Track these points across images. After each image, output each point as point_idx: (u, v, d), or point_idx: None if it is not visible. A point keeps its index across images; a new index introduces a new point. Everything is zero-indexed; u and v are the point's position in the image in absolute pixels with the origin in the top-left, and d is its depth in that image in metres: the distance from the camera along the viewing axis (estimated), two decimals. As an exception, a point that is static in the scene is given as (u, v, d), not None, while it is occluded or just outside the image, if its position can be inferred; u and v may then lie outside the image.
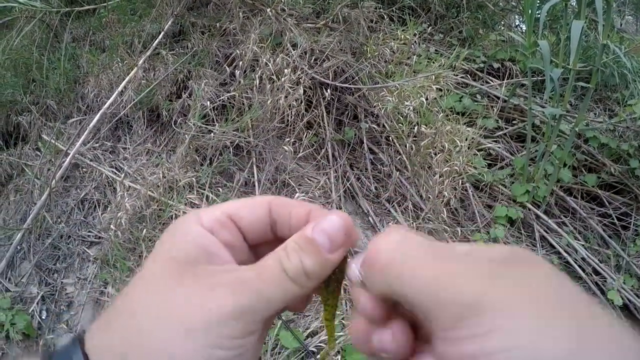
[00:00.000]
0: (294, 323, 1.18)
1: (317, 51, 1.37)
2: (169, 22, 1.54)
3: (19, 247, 1.50)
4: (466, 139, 1.43)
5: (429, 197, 1.35)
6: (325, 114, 1.39)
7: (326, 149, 1.39)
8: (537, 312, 0.16)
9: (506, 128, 1.74)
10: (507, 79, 1.78)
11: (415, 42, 1.54)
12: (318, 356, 1.01)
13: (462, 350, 0.16)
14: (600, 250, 1.61)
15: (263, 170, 1.35)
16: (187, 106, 1.46)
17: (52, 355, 0.20)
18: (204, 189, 1.34)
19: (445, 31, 1.84)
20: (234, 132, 1.33)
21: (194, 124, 1.35)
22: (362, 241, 1.37)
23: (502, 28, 2.03)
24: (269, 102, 1.29)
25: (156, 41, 1.52)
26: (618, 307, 1.42)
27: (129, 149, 1.57)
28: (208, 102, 1.36)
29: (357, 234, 0.23)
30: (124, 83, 1.46)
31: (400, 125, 1.38)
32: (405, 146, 1.37)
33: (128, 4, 1.60)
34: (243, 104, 1.36)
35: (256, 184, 1.33)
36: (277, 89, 1.30)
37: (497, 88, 1.76)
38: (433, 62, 1.51)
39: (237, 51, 1.39)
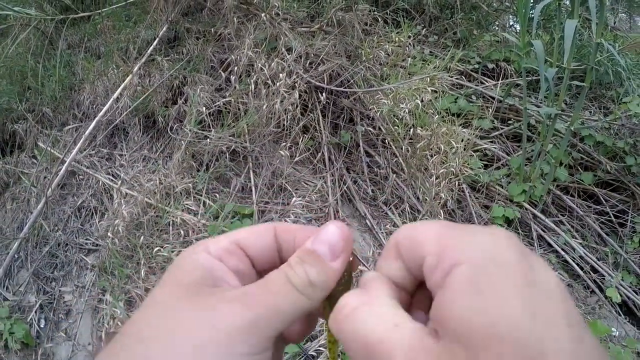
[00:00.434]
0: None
1: (312, 55, 1.38)
2: (164, 28, 1.55)
3: (16, 256, 1.49)
4: (462, 140, 1.43)
5: (426, 199, 1.36)
6: (321, 118, 1.39)
7: (322, 153, 1.39)
8: None
9: (502, 128, 1.75)
10: (502, 80, 1.79)
11: (409, 44, 1.55)
12: None
13: None
14: (598, 248, 1.62)
15: (260, 175, 1.35)
16: (183, 112, 1.46)
17: None
18: (201, 195, 1.34)
19: (440, 33, 1.84)
20: (230, 138, 1.33)
21: (190, 130, 1.35)
22: (360, 244, 1.37)
23: (496, 29, 2.04)
24: (264, 106, 1.30)
25: (151, 47, 1.52)
26: (617, 304, 1.42)
27: (125, 155, 1.56)
28: (204, 108, 1.37)
29: (352, 240, 0.23)
30: (119, 90, 1.46)
31: (396, 127, 1.38)
32: (402, 148, 1.38)
33: (123, 10, 1.60)
34: (239, 109, 1.36)
35: (253, 189, 1.33)
36: (273, 94, 1.30)
37: (492, 89, 1.77)
38: (428, 64, 1.52)
39: (232, 56, 1.39)
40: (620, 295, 1.44)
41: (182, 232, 1.27)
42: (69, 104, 1.73)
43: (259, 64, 1.33)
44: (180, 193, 1.32)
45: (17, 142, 1.79)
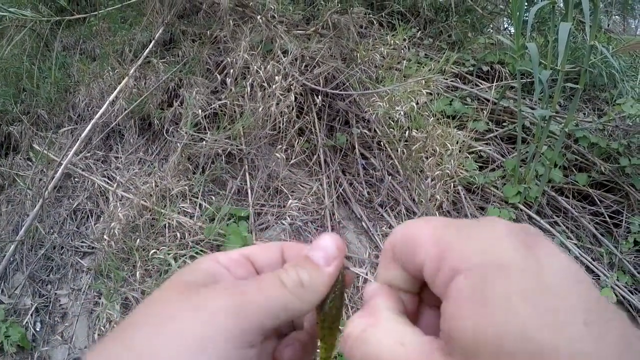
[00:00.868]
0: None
1: (308, 58, 1.38)
2: (160, 31, 1.55)
3: (11, 259, 1.48)
4: (457, 142, 1.44)
5: (422, 201, 1.36)
6: (316, 120, 1.40)
7: (318, 155, 1.39)
8: None
9: (497, 130, 1.76)
10: (497, 82, 1.80)
11: (405, 46, 1.55)
12: None
13: None
14: (593, 249, 1.63)
15: (256, 178, 1.35)
16: (179, 114, 1.46)
17: None
18: (197, 198, 1.34)
19: (435, 35, 1.85)
20: (226, 140, 1.33)
21: (185, 132, 1.35)
22: (356, 246, 1.37)
23: (491, 31, 2.05)
24: (260, 109, 1.30)
25: (147, 50, 1.52)
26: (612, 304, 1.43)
27: (121, 158, 1.56)
28: (199, 110, 1.37)
29: (345, 249, 0.24)
30: (115, 92, 1.46)
31: (391, 130, 1.39)
32: (397, 151, 1.38)
33: (118, 12, 1.60)
34: (234, 111, 1.36)
35: (249, 191, 1.33)
36: (269, 96, 1.31)
37: (486, 91, 1.78)
38: (423, 67, 1.52)
39: (228, 59, 1.39)
40: (616, 295, 1.45)
41: (178, 234, 1.27)
42: (64, 106, 1.72)
43: (255, 67, 1.33)
44: (176, 195, 1.32)
45: (12, 144, 1.79)
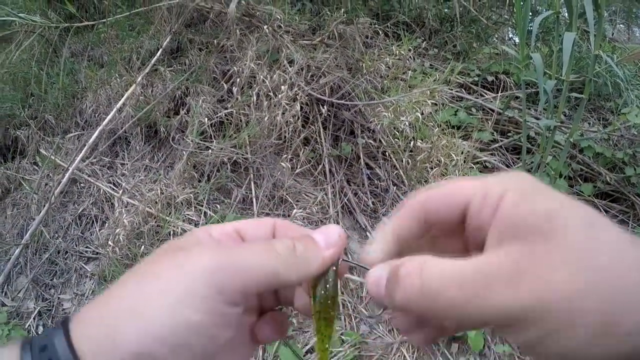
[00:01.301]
0: (292, 339, 1.18)
1: (314, 67, 1.39)
2: (167, 39, 1.56)
3: (16, 262, 1.49)
4: (462, 153, 1.44)
5: (426, 211, 1.36)
6: (322, 130, 1.40)
7: (323, 165, 1.40)
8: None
9: (501, 140, 1.76)
10: (502, 92, 1.80)
11: (410, 57, 1.56)
12: None
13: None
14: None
15: (261, 187, 1.36)
16: (185, 122, 1.47)
17: (32, 340, 0.20)
18: (202, 205, 1.35)
19: (440, 45, 1.86)
20: (232, 149, 1.34)
21: (191, 141, 1.36)
22: (360, 255, 1.37)
23: (496, 41, 2.06)
24: (266, 118, 1.31)
25: (155, 58, 1.54)
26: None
27: (126, 164, 1.57)
28: (206, 119, 1.38)
29: (346, 244, 0.25)
30: (122, 100, 1.47)
31: (396, 140, 1.39)
32: (402, 161, 1.39)
33: (127, 20, 1.61)
34: (240, 120, 1.37)
35: (254, 200, 1.34)
36: (274, 106, 1.31)
37: (491, 101, 1.78)
38: (428, 77, 1.53)
39: (235, 68, 1.40)
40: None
41: (182, 242, 1.27)
42: (71, 111, 1.74)
43: (261, 76, 1.34)
44: (181, 203, 1.33)
45: (19, 148, 1.80)
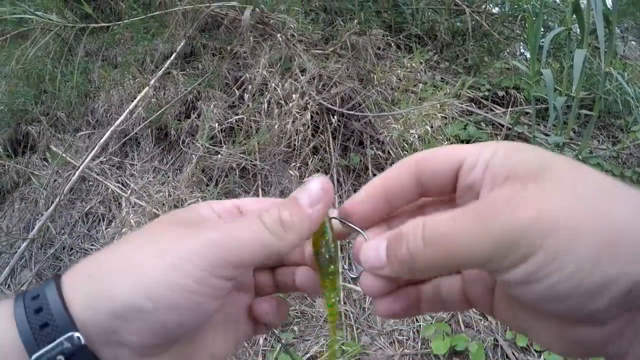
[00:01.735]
0: (293, 347, 1.18)
1: (325, 77, 1.40)
2: (182, 43, 1.58)
3: (21, 256, 1.51)
4: (470, 168, 1.44)
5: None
6: (331, 140, 1.41)
7: (331, 175, 1.40)
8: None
9: (510, 156, 1.75)
10: (512, 107, 1.80)
11: (421, 69, 1.57)
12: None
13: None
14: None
15: (268, 194, 1.36)
16: (196, 126, 1.49)
17: (25, 292, 0.21)
18: (209, 210, 1.35)
19: (451, 59, 1.87)
20: (241, 155, 1.35)
21: (201, 145, 1.37)
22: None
23: (507, 56, 2.06)
24: (276, 126, 1.32)
25: (169, 61, 1.55)
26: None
27: (136, 165, 1.58)
28: (216, 124, 1.39)
29: (332, 194, 0.25)
30: (135, 101, 1.48)
31: (405, 152, 1.40)
32: (409, 173, 1.38)
33: (142, 22, 1.63)
34: (251, 127, 1.38)
35: (261, 206, 1.34)
36: (285, 114, 1.32)
37: (501, 116, 1.78)
38: (439, 90, 1.53)
39: (247, 74, 1.42)
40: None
41: (188, 246, 1.27)
42: (83, 110, 1.76)
43: (273, 84, 1.35)
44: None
45: (30, 143, 1.82)
